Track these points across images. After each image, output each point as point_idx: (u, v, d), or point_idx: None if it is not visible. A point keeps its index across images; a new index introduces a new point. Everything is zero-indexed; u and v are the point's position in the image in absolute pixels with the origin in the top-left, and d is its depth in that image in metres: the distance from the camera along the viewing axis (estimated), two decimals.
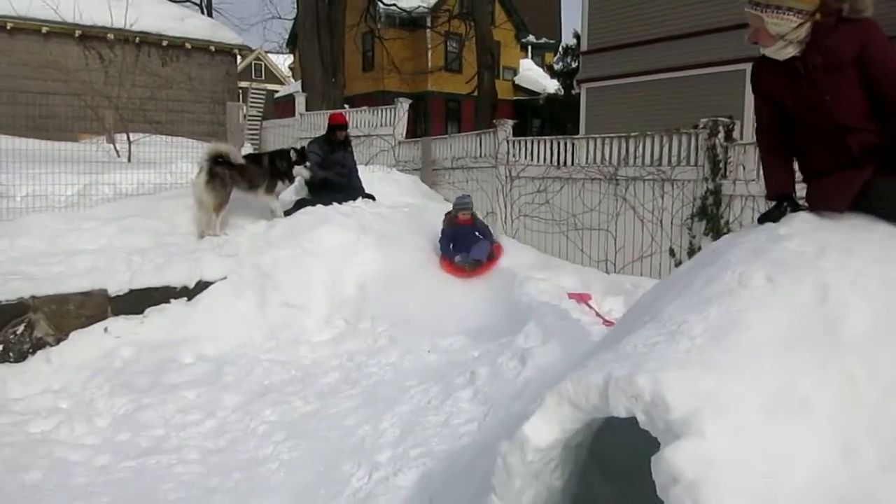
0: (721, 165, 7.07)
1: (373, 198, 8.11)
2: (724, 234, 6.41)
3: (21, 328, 5.31)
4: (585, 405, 2.21)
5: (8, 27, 13.59)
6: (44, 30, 13.83)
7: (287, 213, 7.40)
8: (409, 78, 26.42)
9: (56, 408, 4.72)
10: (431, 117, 27.89)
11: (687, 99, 13.75)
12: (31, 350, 5.32)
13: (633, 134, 8.10)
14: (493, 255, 7.12)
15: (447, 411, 4.18)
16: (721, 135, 7.10)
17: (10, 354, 5.24)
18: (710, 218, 7.12)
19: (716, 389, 2.00)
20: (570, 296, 6.30)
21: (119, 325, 5.65)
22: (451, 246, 7.04)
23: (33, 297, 5.44)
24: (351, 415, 4.46)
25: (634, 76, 15.37)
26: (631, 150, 7.99)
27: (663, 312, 2.55)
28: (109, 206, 7.37)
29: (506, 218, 9.40)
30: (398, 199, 8.85)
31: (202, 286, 6.05)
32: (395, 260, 6.56)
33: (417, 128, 26.00)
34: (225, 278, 6.16)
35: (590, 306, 6.20)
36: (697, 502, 1.76)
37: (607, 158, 8.23)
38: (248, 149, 9.97)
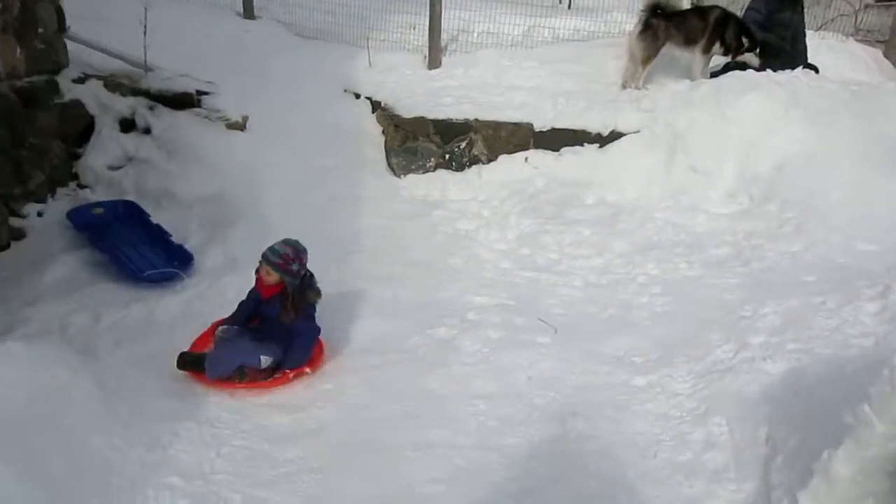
0: None
1: (816, 69, 7.13)
2: None
3: (463, 144, 6.34)
4: None
5: None
6: None
7: (714, 74, 7.03)
8: None
9: (479, 214, 5.65)
10: None
11: None
12: (467, 163, 6.36)
13: None
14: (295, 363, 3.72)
15: (842, 318, 3.77)
16: None
17: (453, 164, 6.35)
18: None
19: None
20: None
21: (537, 157, 6.29)
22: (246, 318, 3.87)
23: (476, 120, 6.39)
24: (733, 291, 4.39)
25: None
26: None
27: None
28: (546, 48, 7.85)
29: None
30: (848, 74, 7.62)
31: (615, 136, 6.26)
32: (826, 143, 5.76)
33: None
34: (637, 132, 6.24)
35: None
36: None
37: None
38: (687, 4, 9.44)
